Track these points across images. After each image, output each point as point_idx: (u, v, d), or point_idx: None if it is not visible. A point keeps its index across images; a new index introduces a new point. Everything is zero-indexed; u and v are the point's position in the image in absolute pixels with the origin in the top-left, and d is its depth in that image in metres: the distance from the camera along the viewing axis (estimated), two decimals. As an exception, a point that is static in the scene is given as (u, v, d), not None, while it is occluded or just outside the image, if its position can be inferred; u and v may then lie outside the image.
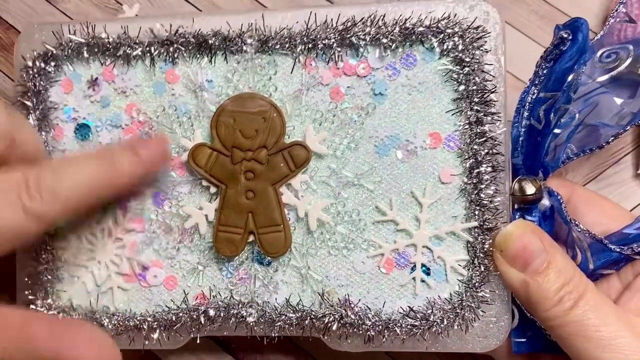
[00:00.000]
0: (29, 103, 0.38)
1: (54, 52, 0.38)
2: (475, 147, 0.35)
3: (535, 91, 0.35)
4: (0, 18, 0.47)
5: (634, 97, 0.35)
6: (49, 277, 0.38)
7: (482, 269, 0.35)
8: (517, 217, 0.37)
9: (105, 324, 0.37)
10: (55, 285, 0.39)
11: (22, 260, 0.39)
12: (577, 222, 0.35)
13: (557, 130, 0.36)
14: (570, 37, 0.33)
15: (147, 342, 0.38)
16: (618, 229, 0.36)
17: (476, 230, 0.35)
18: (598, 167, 0.43)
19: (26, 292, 0.38)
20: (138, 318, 0.38)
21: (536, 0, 0.44)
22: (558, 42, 0.34)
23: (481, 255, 0.35)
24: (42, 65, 0.38)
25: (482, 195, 0.35)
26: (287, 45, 0.36)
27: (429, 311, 0.35)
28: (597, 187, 0.43)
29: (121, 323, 0.37)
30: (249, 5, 0.47)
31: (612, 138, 0.36)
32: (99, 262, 0.38)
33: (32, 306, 0.38)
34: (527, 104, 0.36)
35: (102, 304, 0.38)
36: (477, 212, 0.35)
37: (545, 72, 0.35)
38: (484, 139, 0.35)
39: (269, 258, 0.37)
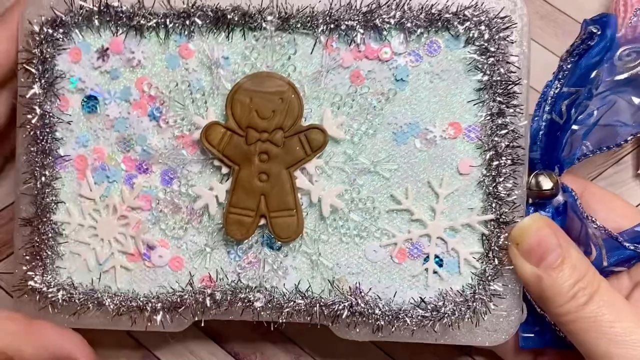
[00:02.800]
0: (34, 71, 0.36)
1: (63, 18, 0.36)
2: (496, 139, 0.34)
3: (559, 85, 0.35)
4: None
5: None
6: (49, 252, 0.37)
7: (496, 262, 0.35)
8: (531, 212, 0.36)
9: (107, 304, 0.36)
10: (55, 262, 0.37)
11: (21, 233, 0.37)
12: (593, 219, 0.35)
13: (575, 127, 0.36)
14: (599, 32, 0.33)
15: (149, 324, 0.37)
16: (629, 226, 0.36)
17: (492, 223, 0.35)
18: (598, 167, 0.43)
19: (24, 268, 0.37)
20: (141, 299, 0.36)
21: (537, 0, 0.44)
22: (586, 37, 0.33)
23: (496, 248, 0.35)
24: (50, 31, 0.36)
25: (500, 188, 0.35)
26: (308, 25, 0.35)
27: (440, 303, 0.35)
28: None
29: (123, 303, 0.36)
30: None
31: (631, 137, 0.35)
32: (101, 239, 0.37)
33: (30, 283, 0.36)
34: (550, 98, 0.35)
35: (104, 283, 0.37)
36: (494, 205, 0.35)
37: (570, 66, 0.35)
38: (505, 131, 0.34)
39: (279, 243, 0.36)
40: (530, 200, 0.37)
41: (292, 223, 0.35)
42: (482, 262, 0.35)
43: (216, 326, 0.42)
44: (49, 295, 0.36)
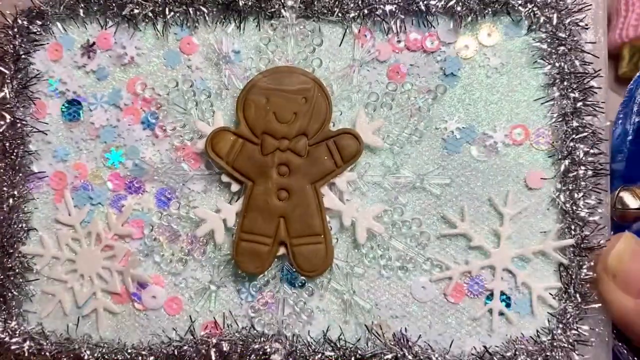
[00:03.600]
0: (4, 70, 0.31)
1: (42, 8, 0.31)
2: (571, 144, 0.29)
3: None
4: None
5: None
6: (15, 293, 0.31)
7: (579, 299, 0.28)
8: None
9: (86, 357, 0.29)
10: (22, 305, 0.31)
11: (-18, 270, 0.30)
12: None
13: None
14: None
15: (139, 383, 0.29)
16: None
17: (572, 249, 0.28)
18: None
19: (-17, 312, 0.30)
20: (129, 350, 0.30)
21: None
22: None
23: (578, 281, 0.28)
24: (25, 24, 0.31)
25: (580, 205, 0.28)
26: (336, 11, 0.30)
27: (510, 353, 0.29)
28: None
29: (106, 356, 0.30)
30: None
31: None
32: (81, 275, 0.31)
33: (-10, 331, 0.29)
34: (637, 97, 0.29)
35: (83, 330, 0.31)
36: (573, 227, 0.29)
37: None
38: (583, 135, 0.28)
39: (303, 278, 0.30)
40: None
41: (318, 252, 0.30)
42: (561, 300, 0.29)
43: None
44: (12, 347, 0.29)
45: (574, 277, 0.29)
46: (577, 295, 0.28)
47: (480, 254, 0.30)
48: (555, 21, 0.29)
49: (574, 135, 0.29)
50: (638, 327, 0.27)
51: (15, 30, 0.31)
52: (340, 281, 0.30)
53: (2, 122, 0.30)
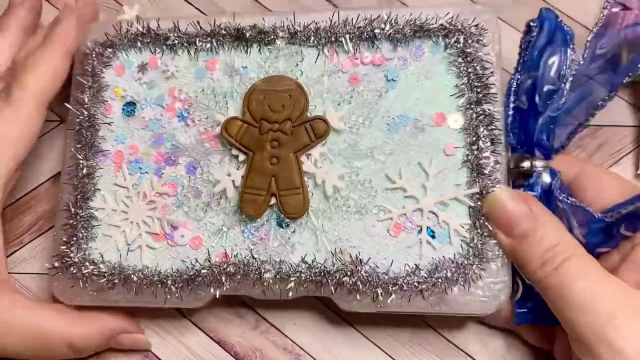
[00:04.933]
0: (85, 82, 0.43)
1: (112, 40, 0.44)
2: (475, 123, 0.39)
3: (519, 77, 0.41)
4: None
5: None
6: (84, 233, 0.41)
7: (483, 230, 0.38)
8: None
9: (133, 279, 0.40)
10: (88, 242, 0.42)
11: (62, 216, 0.42)
12: (567, 197, 0.39)
13: (552, 114, 0.41)
14: (535, 25, 0.39)
15: (169, 297, 0.40)
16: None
17: (477, 196, 0.39)
18: None
19: (61, 246, 0.41)
20: (163, 273, 0.40)
21: (536, 0, 0.48)
22: (527, 30, 0.40)
23: (481, 219, 0.38)
24: (100, 50, 0.44)
25: (482, 164, 0.39)
26: (312, 39, 0.42)
27: (434, 268, 0.38)
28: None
29: (147, 277, 0.40)
30: (249, 5, 0.52)
31: (606, 98, 0.40)
32: (131, 222, 0.42)
33: (65, 258, 0.41)
34: (513, 88, 0.41)
35: (131, 260, 0.41)
36: (477, 180, 0.39)
37: (523, 59, 0.41)
38: (483, 116, 0.39)
39: (288, 220, 0.40)
40: (517, 183, 0.41)
41: (299, 200, 0.40)
42: (471, 232, 0.39)
43: (216, 325, 0.45)
44: (82, 269, 0.40)
45: (478, 215, 0.38)
46: (482, 228, 0.38)
47: (413, 201, 0.39)
48: (462, 42, 0.41)
49: (477, 118, 0.39)
50: (507, 257, 0.36)
51: (93, 55, 0.44)
52: (314, 222, 0.40)
53: (82, 116, 0.43)
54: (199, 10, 0.52)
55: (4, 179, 0.40)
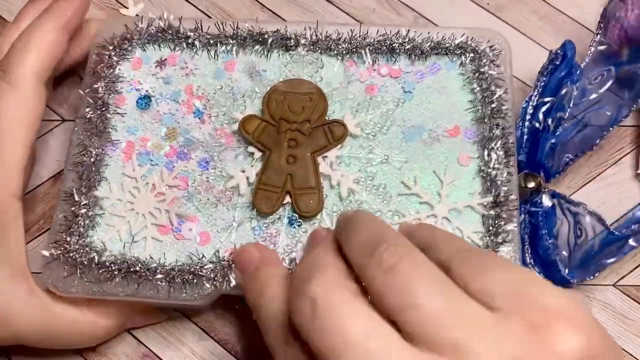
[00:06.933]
0: (100, 72, 0.43)
1: (132, 34, 0.44)
2: (489, 135, 0.41)
3: (535, 99, 0.43)
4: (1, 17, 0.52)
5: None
6: (86, 222, 0.40)
7: (495, 239, 0.39)
8: (522, 210, 0.41)
9: (136, 269, 0.38)
10: (89, 231, 0.40)
11: (64, 202, 0.40)
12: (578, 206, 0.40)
13: (554, 141, 0.43)
14: (561, 53, 0.42)
15: (172, 291, 0.38)
16: None
17: (490, 204, 0.40)
18: (597, 167, 0.46)
19: (61, 232, 0.39)
20: (168, 266, 0.39)
21: (536, 0, 0.49)
22: (552, 58, 0.42)
23: (494, 227, 0.39)
24: (118, 43, 0.44)
25: (495, 175, 0.40)
26: (334, 48, 0.44)
27: None
28: (597, 187, 0.45)
29: (150, 269, 0.38)
30: (250, 5, 0.52)
31: (598, 140, 0.42)
32: (137, 213, 0.40)
33: (65, 245, 0.39)
34: (529, 109, 0.43)
35: (134, 251, 0.39)
36: (491, 190, 0.40)
37: (542, 84, 0.43)
38: (497, 130, 0.41)
39: (300, 220, 0.40)
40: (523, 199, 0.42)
41: (314, 199, 0.40)
42: (484, 239, 0.39)
43: (217, 326, 0.43)
44: (82, 256, 0.38)
45: (491, 223, 0.39)
46: (492, 236, 0.39)
47: (427, 207, 0.40)
48: (477, 62, 0.44)
49: (492, 131, 0.41)
50: None
51: (111, 47, 0.44)
52: (327, 223, 0.39)
53: (94, 105, 0.42)
54: (199, 11, 0.52)
55: (23, 161, 0.39)
